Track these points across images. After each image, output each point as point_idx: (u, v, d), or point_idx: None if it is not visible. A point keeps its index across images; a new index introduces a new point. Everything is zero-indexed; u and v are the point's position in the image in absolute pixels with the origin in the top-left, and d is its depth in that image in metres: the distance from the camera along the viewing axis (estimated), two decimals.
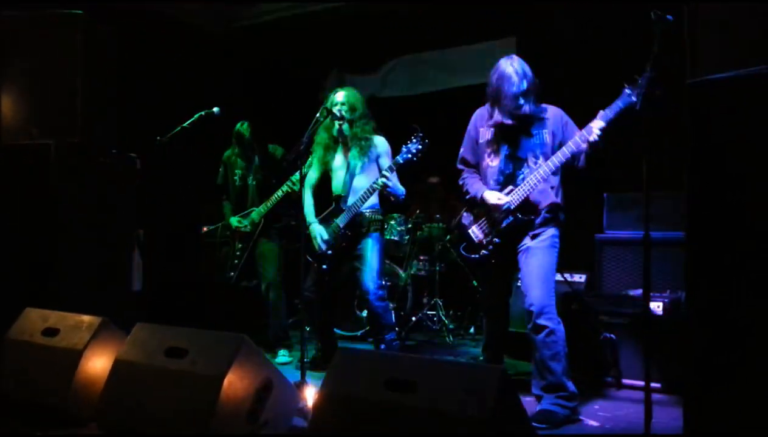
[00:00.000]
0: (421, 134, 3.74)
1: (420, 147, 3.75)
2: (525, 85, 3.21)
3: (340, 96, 4.07)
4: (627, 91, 3.00)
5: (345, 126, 4.04)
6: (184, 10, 6.09)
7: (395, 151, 3.99)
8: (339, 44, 6.87)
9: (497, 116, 3.27)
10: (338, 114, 3.99)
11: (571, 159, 3.19)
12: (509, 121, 3.25)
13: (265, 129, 4.80)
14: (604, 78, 3.12)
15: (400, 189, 3.98)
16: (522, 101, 3.22)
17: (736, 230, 2.14)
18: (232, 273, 4.54)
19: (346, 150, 4.13)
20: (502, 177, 3.34)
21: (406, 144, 3.79)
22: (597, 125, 3.05)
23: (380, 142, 4.13)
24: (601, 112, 3.08)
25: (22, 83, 3.76)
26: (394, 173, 3.91)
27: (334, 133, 4.08)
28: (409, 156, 3.77)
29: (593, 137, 3.05)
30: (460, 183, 3.55)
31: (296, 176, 4.27)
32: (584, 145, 3.12)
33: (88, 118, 3.71)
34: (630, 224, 4.33)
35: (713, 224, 2.18)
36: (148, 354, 2.70)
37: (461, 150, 3.57)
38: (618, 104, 3.03)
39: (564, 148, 3.17)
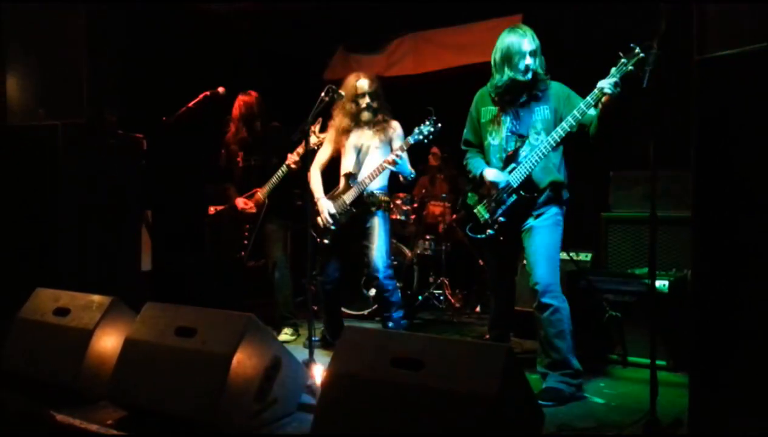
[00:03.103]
0: (434, 118, 3.79)
1: (432, 130, 3.82)
2: (534, 44, 3.23)
3: (365, 85, 4.06)
4: (623, 60, 3.00)
5: (371, 114, 4.08)
6: None
7: (407, 131, 4.03)
8: (344, 23, 6.82)
9: (507, 74, 3.25)
10: (364, 104, 4.04)
11: (576, 129, 3.17)
12: (521, 78, 3.24)
13: (268, 110, 4.78)
14: (611, 56, 3.09)
15: (408, 170, 4.02)
16: (531, 60, 3.23)
17: (742, 208, 2.13)
18: (243, 253, 4.56)
19: (361, 130, 4.14)
20: (504, 154, 3.34)
21: (419, 126, 3.85)
22: (609, 81, 3.01)
23: (396, 126, 4.17)
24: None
25: (28, 64, 3.76)
26: (405, 153, 3.94)
27: (357, 119, 4.09)
28: (420, 137, 3.84)
29: (608, 89, 2.98)
30: (464, 163, 3.57)
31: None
32: (590, 111, 3.09)
33: (95, 99, 3.71)
34: (636, 202, 4.32)
35: (719, 202, 2.18)
36: (158, 333, 2.73)
37: (464, 131, 3.59)
38: (614, 75, 3.01)
39: (563, 123, 3.16)
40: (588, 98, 3.08)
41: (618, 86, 2.98)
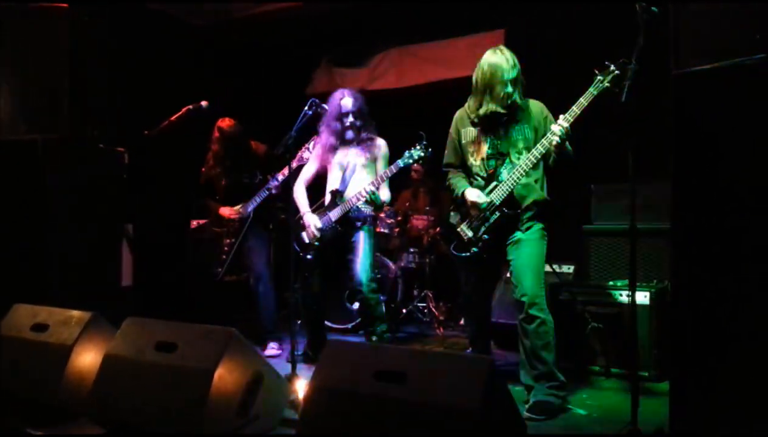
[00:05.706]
0: (425, 143, 3.82)
1: (422, 154, 3.85)
2: (515, 73, 3.25)
3: (349, 104, 4.05)
4: (599, 77, 3.05)
5: (355, 133, 4.08)
6: (171, 4, 6.05)
7: (392, 147, 4.12)
8: (327, 37, 6.85)
9: (488, 106, 3.28)
10: (347, 123, 4.04)
11: (546, 154, 3.23)
12: (501, 110, 3.26)
13: (251, 124, 4.78)
14: (591, 69, 3.13)
15: (381, 199, 4.00)
16: (512, 89, 3.24)
17: (721, 219, 2.16)
18: (220, 270, 4.53)
19: (347, 148, 4.14)
20: (485, 173, 3.36)
21: (410, 149, 3.87)
22: (557, 128, 3.09)
23: (382, 144, 4.18)
24: (561, 116, 3.12)
25: (8, 78, 3.72)
26: (386, 180, 3.98)
27: (342, 137, 4.08)
28: (411, 161, 3.88)
29: (555, 139, 3.10)
30: (447, 184, 3.58)
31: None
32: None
33: (75, 113, 3.68)
34: (617, 215, 4.36)
35: (698, 214, 2.21)
36: (138, 348, 2.70)
37: (445, 154, 3.60)
38: (591, 92, 3.06)
39: (538, 145, 3.20)
40: (544, 140, 3.18)
41: (568, 133, 3.09)
